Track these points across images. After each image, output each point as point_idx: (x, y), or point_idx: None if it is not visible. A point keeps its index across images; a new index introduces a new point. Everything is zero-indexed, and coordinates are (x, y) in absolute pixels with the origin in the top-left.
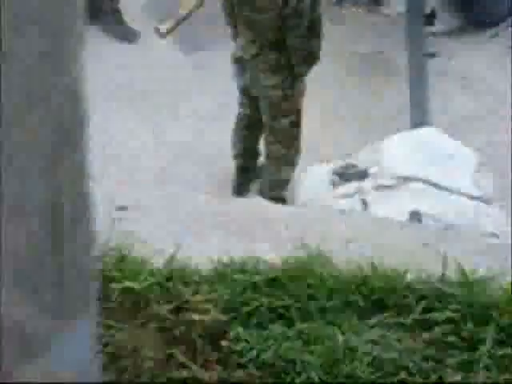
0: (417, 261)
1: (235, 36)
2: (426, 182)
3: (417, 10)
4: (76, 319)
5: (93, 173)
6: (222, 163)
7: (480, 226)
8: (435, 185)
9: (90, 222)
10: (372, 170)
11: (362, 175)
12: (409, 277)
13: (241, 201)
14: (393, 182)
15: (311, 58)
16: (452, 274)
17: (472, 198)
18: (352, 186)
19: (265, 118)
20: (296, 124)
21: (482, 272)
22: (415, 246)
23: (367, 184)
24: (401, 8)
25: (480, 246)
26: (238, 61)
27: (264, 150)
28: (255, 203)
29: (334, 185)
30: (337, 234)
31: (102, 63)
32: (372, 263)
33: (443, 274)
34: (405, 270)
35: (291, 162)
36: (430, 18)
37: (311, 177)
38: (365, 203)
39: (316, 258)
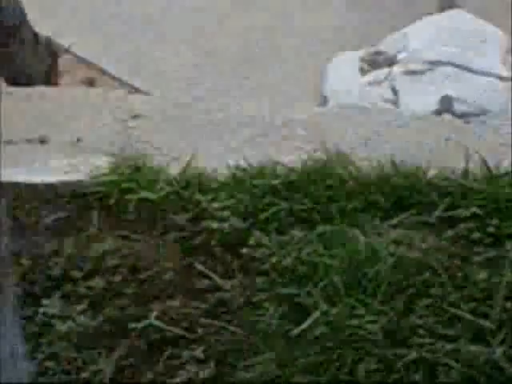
0: (439, 156)
1: None
2: (455, 65)
3: None
4: None
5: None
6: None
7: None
8: (465, 68)
9: None
10: (400, 56)
11: (391, 61)
12: (431, 173)
13: (254, 104)
14: (422, 67)
15: None
16: (476, 168)
17: (502, 78)
18: (381, 72)
19: None
20: None
21: (506, 165)
22: (437, 141)
23: (396, 70)
24: None
25: (504, 138)
26: None
27: None
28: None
29: (363, 72)
30: (356, 133)
31: None
32: (393, 161)
33: (466, 169)
34: (427, 166)
35: None
36: None
37: (339, 65)
38: (394, 90)
39: (335, 159)
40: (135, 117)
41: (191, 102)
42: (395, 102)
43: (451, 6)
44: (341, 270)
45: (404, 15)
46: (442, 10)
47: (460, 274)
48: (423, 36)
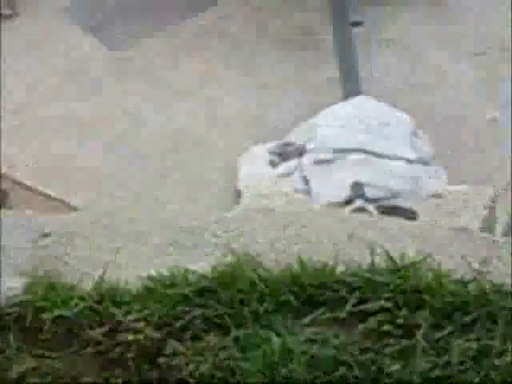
0: (346, 252)
1: None
2: (364, 151)
3: None
4: None
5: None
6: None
7: (422, 188)
8: (374, 153)
9: None
10: (309, 146)
11: (300, 152)
12: (339, 269)
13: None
14: (331, 156)
15: None
16: (382, 261)
17: (411, 161)
18: (291, 164)
19: None
20: None
21: (410, 256)
22: (343, 236)
23: (306, 160)
24: None
25: (406, 229)
26: None
27: None
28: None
29: (274, 165)
30: (264, 234)
31: None
32: (300, 260)
33: (372, 263)
34: (334, 262)
35: None
36: None
37: (250, 160)
38: (305, 180)
39: (244, 262)
40: (46, 235)
41: (101, 216)
42: (308, 193)
43: (356, 93)
44: (257, 372)
45: (311, 105)
46: (347, 97)
47: (374, 368)
48: (330, 125)
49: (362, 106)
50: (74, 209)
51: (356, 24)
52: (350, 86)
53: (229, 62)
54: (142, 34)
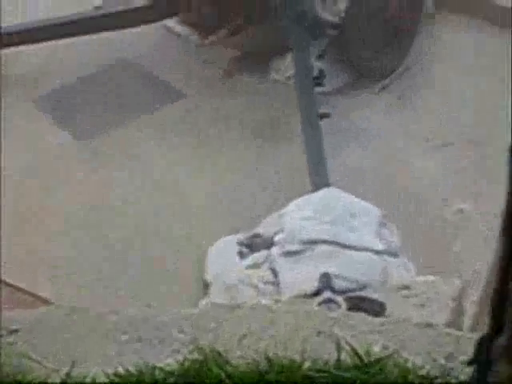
0: (313, 349)
1: None
2: (332, 243)
3: (304, 73)
4: None
5: None
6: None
7: (390, 280)
8: (341, 245)
9: None
10: (278, 238)
11: (269, 243)
12: (306, 366)
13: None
14: (300, 247)
15: None
16: (348, 357)
17: (379, 252)
18: (260, 255)
19: None
20: None
21: (376, 352)
22: (310, 333)
23: (274, 252)
24: (290, 72)
25: (372, 325)
26: None
27: None
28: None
29: (242, 256)
30: (230, 331)
31: None
32: (267, 357)
33: (339, 360)
34: (301, 359)
35: None
36: (319, 79)
37: (218, 251)
38: (274, 271)
39: (211, 359)
40: (12, 332)
41: (68, 312)
42: (276, 284)
43: (324, 185)
44: None
45: (280, 196)
46: (315, 189)
47: None
48: (298, 216)
49: (329, 197)
50: (43, 301)
51: (323, 116)
52: (318, 177)
53: (197, 152)
54: (110, 124)
